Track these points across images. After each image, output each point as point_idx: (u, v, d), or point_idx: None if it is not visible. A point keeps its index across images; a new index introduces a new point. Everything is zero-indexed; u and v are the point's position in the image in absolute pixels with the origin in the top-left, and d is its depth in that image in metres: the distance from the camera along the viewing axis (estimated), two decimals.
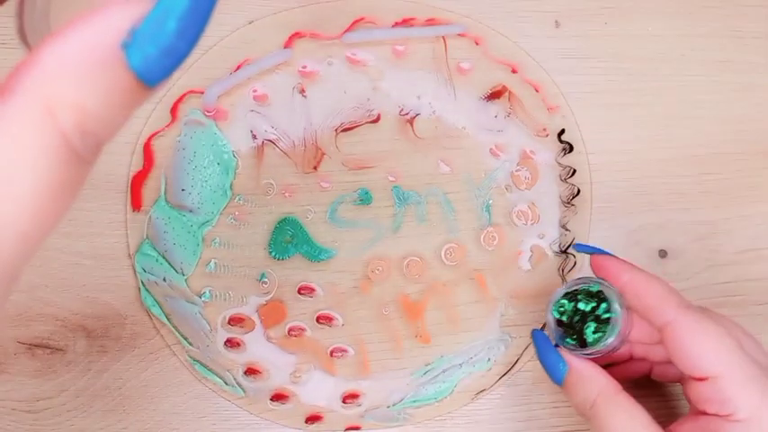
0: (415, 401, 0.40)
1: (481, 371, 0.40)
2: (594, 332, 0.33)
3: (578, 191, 0.42)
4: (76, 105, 0.13)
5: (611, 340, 0.32)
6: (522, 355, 0.41)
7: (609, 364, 0.36)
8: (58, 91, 0.13)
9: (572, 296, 0.34)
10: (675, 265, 0.42)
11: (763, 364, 0.30)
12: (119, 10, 0.13)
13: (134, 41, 0.13)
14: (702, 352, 0.29)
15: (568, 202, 0.42)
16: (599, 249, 0.34)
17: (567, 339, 0.33)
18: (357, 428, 0.39)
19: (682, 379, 0.33)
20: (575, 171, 0.42)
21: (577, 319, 0.33)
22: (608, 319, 0.33)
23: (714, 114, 0.44)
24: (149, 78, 0.13)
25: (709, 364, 0.29)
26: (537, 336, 0.35)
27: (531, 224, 0.41)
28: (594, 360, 0.33)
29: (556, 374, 0.33)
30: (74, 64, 0.13)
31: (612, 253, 0.34)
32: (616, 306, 0.32)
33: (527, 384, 0.41)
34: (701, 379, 0.29)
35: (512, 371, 0.40)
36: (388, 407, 0.39)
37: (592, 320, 0.33)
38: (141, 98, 0.14)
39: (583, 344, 0.33)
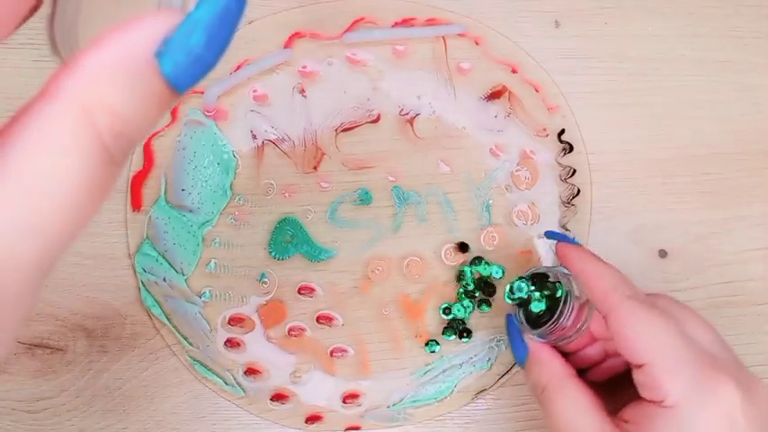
0: (415, 401, 0.40)
1: (481, 371, 0.40)
2: (540, 312, 0.34)
3: (578, 191, 0.42)
4: (112, 109, 0.14)
5: (560, 320, 0.33)
6: None
7: (587, 368, 0.36)
8: (95, 95, 0.13)
9: (535, 279, 0.35)
10: (675, 265, 0.42)
11: (716, 355, 0.30)
12: (153, 21, 0.14)
13: (166, 50, 0.14)
14: (637, 339, 0.30)
15: (568, 202, 0.42)
16: (564, 237, 0.36)
17: (518, 314, 0.36)
18: (357, 428, 0.39)
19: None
20: (575, 171, 0.42)
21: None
22: (559, 300, 0.34)
23: (714, 114, 0.44)
24: (179, 84, 0.14)
25: (643, 350, 0.29)
26: (509, 320, 0.37)
27: (531, 224, 0.41)
28: (561, 348, 0.34)
29: (518, 356, 0.35)
30: (111, 70, 0.14)
31: (578, 242, 0.35)
32: (564, 290, 0.34)
33: (527, 384, 0.41)
34: (638, 366, 0.30)
35: (512, 371, 0.40)
36: (388, 407, 0.39)
37: (542, 301, 0.35)
38: (170, 103, 0.15)
39: (532, 322, 0.35)
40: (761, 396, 0.29)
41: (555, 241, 0.37)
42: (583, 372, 0.35)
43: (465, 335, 0.40)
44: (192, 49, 0.14)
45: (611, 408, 0.31)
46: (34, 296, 0.14)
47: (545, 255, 0.41)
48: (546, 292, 0.35)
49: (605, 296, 0.31)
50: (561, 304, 0.33)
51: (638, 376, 0.30)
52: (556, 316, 0.33)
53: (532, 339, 0.35)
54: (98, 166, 0.14)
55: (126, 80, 0.14)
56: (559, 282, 0.34)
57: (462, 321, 0.40)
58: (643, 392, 0.30)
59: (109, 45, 0.14)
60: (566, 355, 0.35)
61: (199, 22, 0.14)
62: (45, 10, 0.15)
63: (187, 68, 0.14)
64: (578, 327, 0.33)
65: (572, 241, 0.36)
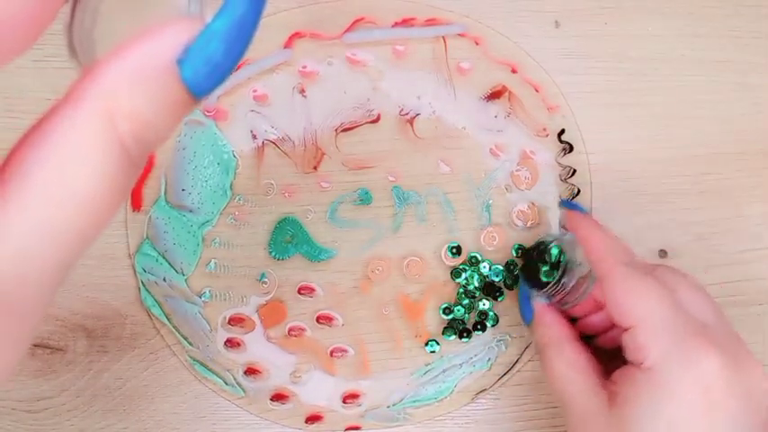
0: (415, 401, 0.40)
1: (481, 371, 0.40)
2: (547, 274, 0.36)
3: (578, 191, 0.42)
4: (134, 114, 0.14)
5: (564, 280, 0.35)
6: (522, 355, 0.41)
7: (594, 335, 0.37)
8: (118, 101, 0.14)
9: (541, 248, 0.38)
10: (675, 265, 0.42)
11: (707, 325, 0.31)
12: (174, 29, 0.14)
13: (186, 58, 0.14)
14: (626, 302, 0.31)
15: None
16: (576, 205, 0.38)
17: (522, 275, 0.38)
18: (357, 428, 0.39)
19: None
20: (575, 171, 0.42)
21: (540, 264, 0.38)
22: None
23: (714, 114, 0.44)
24: (198, 90, 0.15)
25: (629, 313, 0.31)
26: (521, 287, 0.39)
27: (531, 224, 0.41)
28: (569, 311, 0.36)
29: (525, 317, 0.38)
30: (133, 76, 0.14)
31: (586, 211, 0.38)
32: (569, 255, 0.36)
33: (527, 384, 0.41)
34: (626, 329, 0.31)
35: (512, 371, 0.40)
36: (388, 407, 0.39)
37: (550, 266, 0.37)
38: (189, 109, 0.15)
39: (540, 286, 0.36)
40: (751, 371, 0.30)
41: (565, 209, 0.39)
42: (592, 338, 0.36)
43: (465, 335, 0.40)
44: (211, 57, 0.14)
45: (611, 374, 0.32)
46: (52, 298, 0.15)
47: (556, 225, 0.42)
48: (553, 260, 0.37)
49: (602, 261, 0.33)
50: (561, 269, 0.35)
51: (625, 339, 0.31)
52: (555, 279, 0.35)
53: (539, 302, 0.36)
54: (119, 171, 0.14)
55: (148, 86, 0.14)
56: (559, 247, 0.36)
57: (462, 321, 0.40)
58: (627, 355, 0.31)
59: (132, 52, 0.14)
60: (573, 320, 0.36)
61: (217, 32, 0.14)
62: (62, 17, 0.16)
63: (206, 75, 0.15)
64: (580, 292, 0.35)
65: (582, 210, 0.38)
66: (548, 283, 0.36)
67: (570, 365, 0.33)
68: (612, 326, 0.36)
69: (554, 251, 0.36)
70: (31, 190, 0.14)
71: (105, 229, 0.15)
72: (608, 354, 0.34)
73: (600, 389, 0.31)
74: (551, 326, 0.35)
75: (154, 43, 0.14)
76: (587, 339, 0.36)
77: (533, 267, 0.37)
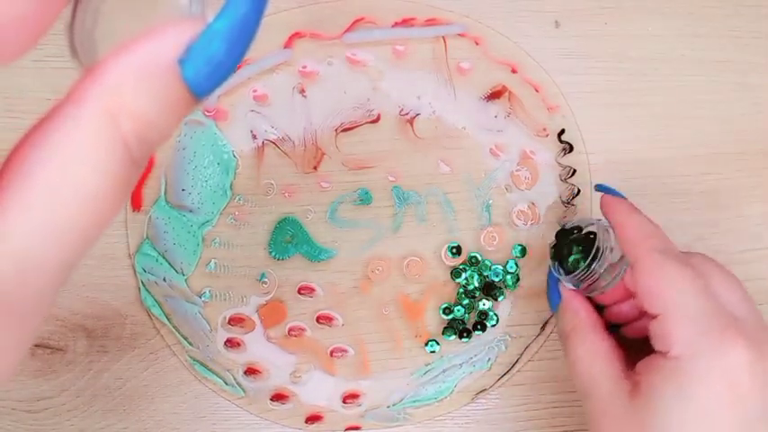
0: (415, 401, 0.40)
1: (481, 371, 0.40)
2: (575, 259, 0.35)
3: (578, 191, 0.42)
4: (136, 114, 0.14)
5: (594, 266, 0.34)
6: (522, 355, 0.41)
7: (621, 324, 0.36)
8: (120, 100, 0.14)
9: (574, 232, 0.36)
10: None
11: (738, 316, 0.30)
12: (176, 29, 0.14)
13: (188, 57, 0.14)
14: (655, 289, 0.30)
15: (568, 202, 0.42)
16: (612, 190, 0.36)
17: (556, 263, 0.37)
18: (357, 428, 0.39)
19: None
20: (575, 171, 0.42)
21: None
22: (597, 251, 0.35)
23: (714, 114, 0.44)
24: (200, 90, 0.15)
25: (658, 300, 0.30)
26: (550, 272, 0.37)
27: (531, 224, 0.41)
28: (597, 298, 0.35)
29: (552, 303, 0.37)
30: (136, 76, 0.14)
31: (623, 195, 0.36)
32: (601, 241, 0.34)
33: (527, 384, 0.41)
34: (654, 316, 0.30)
35: (512, 371, 0.40)
36: (388, 407, 0.39)
37: (582, 252, 0.36)
38: (190, 108, 0.15)
39: (568, 271, 0.35)
40: None
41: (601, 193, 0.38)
42: (619, 327, 0.36)
43: (465, 335, 0.40)
44: (213, 57, 0.14)
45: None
46: (54, 298, 0.15)
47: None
48: (581, 247, 0.36)
49: (635, 246, 0.32)
50: (593, 254, 0.34)
51: (652, 327, 0.30)
52: (586, 264, 0.34)
53: (566, 288, 0.36)
54: (121, 170, 0.14)
55: (150, 86, 0.14)
56: (594, 233, 0.35)
57: (462, 321, 0.40)
58: (654, 343, 0.30)
59: (134, 52, 0.14)
60: (601, 308, 0.35)
61: (219, 32, 0.14)
62: (64, 16, 0.16)
63: (208, 75, 0.15)
64: (611, 278, 0.34)
65: (618, 194, 0.36)
66: (576, 268, 0.35)
67: (594, 352, 0.32)
68: (640, 316, 0.35)
69: (578, 241, 0.36)
70: (33, 189, 0.14)
71: (107, 229, 0.15)
72: (634, 345, 0.34)
73: (623, 377, 0.31)
74: (578, 312, 0.34)
75: (155, 43, 0.14)
76: (614, 328, 0.35)
77: (564, 252, 0.36)
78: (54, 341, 0.38)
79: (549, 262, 0.37)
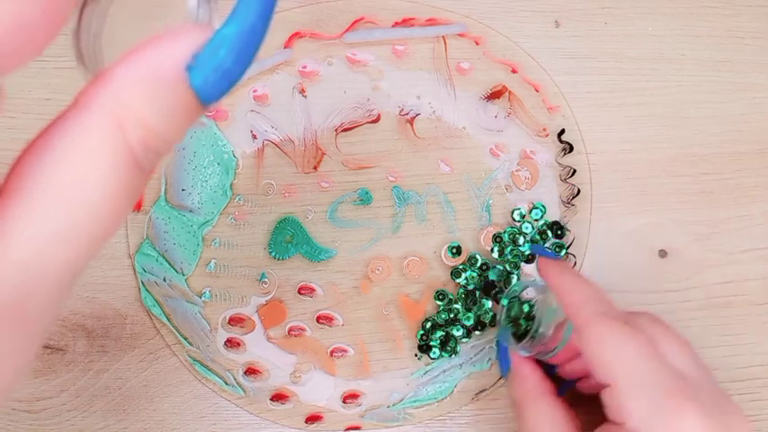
0: (415, 401, 0.40)
1: (481, 371, 0.40)
2: (521, 329, 0.36)
3: (578, 191, 0.42)
4: (144, 122, 0.14)
5: (541, 330, 0.34)
6: None
7: (574, 381, 0.36)
8: (127, 108, 0.14)
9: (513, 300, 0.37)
10: (675, 266, 0.42)
11: (689, 379, 0.29)
12: (183, 36, 0.14)
13: (196, 64, 0.14)
14: (604, 358, 0.29)
15: (568, 202, 0.42)
16: (546, 251, 0.36)
17: (506, 329, 0.37)
18: (357, 428, 0.39)
19: None
20: (575, 171, 0.42)
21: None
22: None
23: (714, 114, 0.44)
24: (207, 97, 0.15)
25: (608, 371, 0.29)
26: (500, 336, 0.38)
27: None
28: (549, 359, 0.35)
29: (502, 370, 0.37)
30: (143, 83, 0.14)
31: (558, 256, 0.36)
32: (542, 305, 0.35)
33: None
34: (605, 386, 0.29)
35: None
36: (388, 407, 0.39)
37: (525, 320, 0.36)
38: (197, 115, 0.15)
39: (518, 338, 0.36)
40: (735, 428, 0.28)
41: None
42: (575, 382, 0.35)
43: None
44: (221, 64, 0.14)
45: (591, 427, 0.31)
46: (61, 304, 0.15)
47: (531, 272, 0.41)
48: (527, 309, 0.36)
49: (577, 311, 0.31)
50: (536, 321, 0.34)
51: (605, 397, 0.29)
52: (531, 332, 0.34)
53: (517, 354, 0.35)
54: (128, 177, 0.14)
55: (157, 93, 0.14)
56: (530, 300, 0.36)
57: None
58: (608, 412, 0.29)
59: (141, 59, 0.14)
60: (553, 367, 0.35)
61: (227, 39, 0.14)
62: (69, 21, 0.16)
63: (215, 82, 0.14)
64: (559, 340, 0.34)
65: (554, 256, 0.36)
66: (525, 335, 0.35)
67: (548, 421, 0.32)
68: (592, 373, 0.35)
69: (523, 308, 0.36)
70: (39, 196, 0.13)
71: (113, 237, 0.15)
72: (586, 404, 0.33)
73: None
74: (527, 378, 0.34)
75: (163, 50, 0.14)
76: (570, 384, 0.35)
77: (509, 322, 0.37)
78: (54, 341, 0.38)
79: (504, 328, 0.37)
